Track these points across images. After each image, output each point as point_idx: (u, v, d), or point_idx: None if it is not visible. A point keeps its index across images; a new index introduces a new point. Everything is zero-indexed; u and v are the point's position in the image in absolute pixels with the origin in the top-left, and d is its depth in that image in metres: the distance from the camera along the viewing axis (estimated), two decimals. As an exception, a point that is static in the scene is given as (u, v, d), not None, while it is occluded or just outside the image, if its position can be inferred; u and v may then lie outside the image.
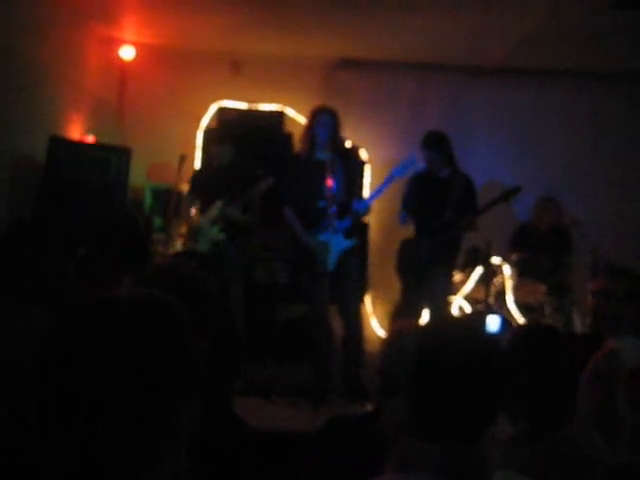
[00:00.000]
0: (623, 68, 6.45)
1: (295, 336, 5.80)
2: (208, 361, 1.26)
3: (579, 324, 5.65)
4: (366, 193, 6.04)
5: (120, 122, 6.68)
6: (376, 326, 6.41)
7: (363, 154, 6.62)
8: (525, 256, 5.86)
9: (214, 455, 1.88)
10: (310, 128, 5.09)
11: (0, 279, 2.22)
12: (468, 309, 5.91)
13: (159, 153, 6.46)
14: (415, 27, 5.77)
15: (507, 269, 5.88)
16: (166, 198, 6.08)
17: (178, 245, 5.95)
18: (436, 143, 5.36)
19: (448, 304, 5.62)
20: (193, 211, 5.87)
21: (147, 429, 1.03)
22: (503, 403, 1.53)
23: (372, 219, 6.33)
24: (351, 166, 5.24)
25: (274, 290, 6.17)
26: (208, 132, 6.67)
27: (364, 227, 6.26)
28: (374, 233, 6.47)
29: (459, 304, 5.93)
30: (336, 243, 4.97)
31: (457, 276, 5.82)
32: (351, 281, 5.10)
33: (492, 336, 1.56)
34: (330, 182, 4.91)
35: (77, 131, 6.10)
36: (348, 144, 5.80)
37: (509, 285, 5.85)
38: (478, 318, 5.57)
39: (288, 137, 6.61)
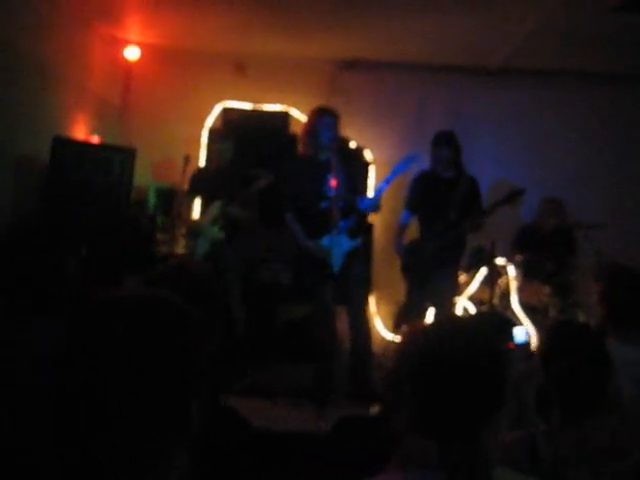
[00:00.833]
0: (626, 69, 6.43)
1: (298, 337, 5.80)
2: (212, 362, 1.25)
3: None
4: (370, 194, 6.04)
5: (124, 122, 6.68)
6: (380, 327, 6.40)
7: (367, 155, 6.61)
8: (529, 257, 5.84)
9: (216, 456, 1.88)
10: (313, 129, 5.06)
11: (2, 279, 2.21)
12: (472, 310, 5.90)
13: (163, 153, 6.47)
14: (419, 29, 5.77)
15: (512, 270, 5.87)
16: (170, 198, 6.09)
17: (182, 245, 5.96)
18: (448, 141, 5.36)
19: (453, 305, 5.61)
20: (192, 211, 5.89)
21: (155, 428, 1.03)
22: (503, 402, 1.53)
23: (377, 219, 6.32)
24: (353, 166, 5.23)
25: (277, 291, 6.17)
26: (213, 132, 6.68)
27: (369, 227, 6.26)
28: (379, 233, 6.47)
29: (463, 305, 5.92)
30: (340, 245, 4.95)
31: (462, 277, 5.81)
32: (356, 282, 5.08)
33: (493, 335, 1.57)
34: (334, 182, 4.90)
35: (81, 131, 6.11)
36: (352, 145, 5.79)
37: (514, 286, 5.83)
38: (480, 318, 5.56)
39: (292, 138, 6.60)
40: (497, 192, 5.64)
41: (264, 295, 6.06)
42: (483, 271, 5.85)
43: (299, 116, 6.71)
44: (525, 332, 5.49)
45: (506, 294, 5.85)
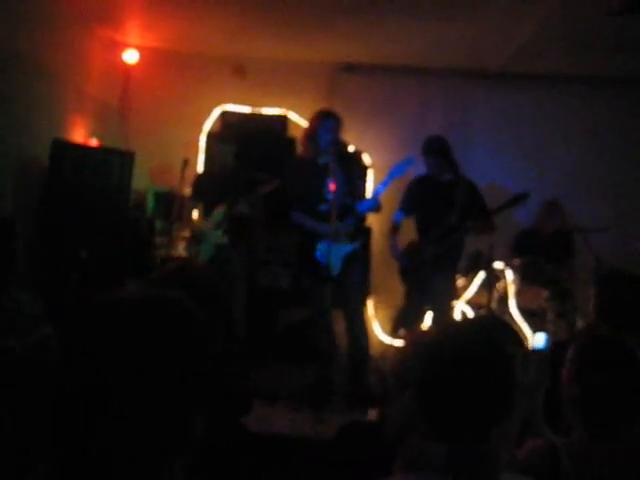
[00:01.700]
0: (625, 73, 6.44)
1: (298, 340, 5.80)
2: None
3: (582, 330, 5.64)
4: (368, 197, 6.03)
5: (123, 125, 6.68)
6: (378, 330, 6.40)
7: (366, 158, 6.62)
8: (528, 261, 5.85)
9: (215, 459, 1.88)
10: (314, 132, 5.07)
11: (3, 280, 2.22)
12: (471, 314, 5.90)
13: (162, 156, 6.47)
14: (418, 32, 5.77)
15: (510, 274, 5.87)
16: (169, 202, 6.09)
17: (180, 249, 5.95)
18: (435, 149, 5.38)
19: (451, 309, 5.61)
20: (195, 215, 5.88)
21: (161, 428, 1.02)
22: (512, 405, 1.53)
23: (374, 223, 6.33)
24: (352, 170, 5.23)
25: (277, 294, 6.17)
26: (211, 136, 6.68)
27: (367, 231, 6.26)
28: (376, 237, 6.47)
29: (462, 309, 5.92)
30: (338, 248, 4.95)
31: (460, 281, 5.82)
32: (354, 285, 5.09)
33: (500, 339, 1.56)
34: (333, 186, 4.90)
35: (80, 134, 6.11)
36: (351, 148, 5.79)
37: (512, 290, 5.83)
38: (486, 321, 5.56)
39: (291, 141, 6.62)
40: (495, 195, 5.64)
41: (264, 298, 6.06)
42: (481, 275, 5.85)
43: (298, 119, 6.71)
44: (545, 339, 5.48)
45: (504, 298, 5.85)
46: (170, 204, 5.98)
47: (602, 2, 4.74)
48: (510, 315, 5.73)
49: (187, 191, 5.94)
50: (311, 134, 5.09)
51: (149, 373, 1.02)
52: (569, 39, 5.64)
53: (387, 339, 6.22)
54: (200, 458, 1.33)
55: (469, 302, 5.95)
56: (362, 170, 6.25)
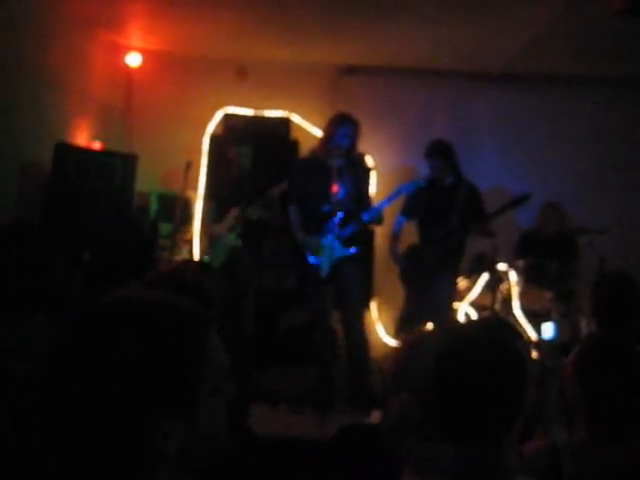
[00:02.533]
0: (628, 74, 6.43)
1: (300, 342, 5.79)
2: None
3: (586, 331, 5.61)
4: (371, 200, 6.04)
5: (126, 128, 6.69)
6: (382, 333, 6.39)
7: (369, 161, 6.61)
8: (532, 262, 5.83)
9: (218, 461, 1.87)
10: (329, 135, 5.08)
11: (4, 285, 2.21)
12: (474, 315, 5.89)
13: (165, 159, 6.47)
14: (421, 34, 5.77)
15: (513, 275, 5.86)
16: (172, 204, 6.08)
17: (184, 252, 5.95)
18: (439, 152, 5.40)
19: (452, 311, 5.60)
20: (205, 218, 5.88)
21: (158, 428, 1.02)
22: (522, 407, 1.51)
23: (378, 227, 6.32)
24: (359, 173, 5.25)
25: (281, 296, 6.17)
26: (214, 138, 6.67)
27: (370, 235, 6.25)
28: (380, 241, 6.46)
29: (465, 310, 5.91)
30: (332, 250, 4.96)
31: (463, 282, 5.81)
32: (353, 289, 5.08)
33: (512, 341, 1.55)
34: (335, 188, 4.91)
35: (83, 137, 6.12)
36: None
37: (515, 292, 5.82)
38: (497, 323, 5.55)
39: (294, 143, 6.62)
40: (498, 197, 5.64)
41: (269, 300, 6.06)
42: (485, 276, 5.84)
43: (300, 122, 6.71)
44: (553, 328, 5.48)
45: (508, 300, 5.84)
46: (173, 207, 5.98)
47: (606, 3, 4.73)
48: (514, 316, 5.71)
49: (191, 194, 5.94)
50: (326, 137, 5.11)
51: (149, 373, 1.02)
52: (573, 40, 5.63)
53: (391, 341, 6.21)
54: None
55: (473, 304, 5.94)
56: (366, 173, 6.25)
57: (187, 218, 6.23)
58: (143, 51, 6.68)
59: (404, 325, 5.49)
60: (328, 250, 4.92)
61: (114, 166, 5.66)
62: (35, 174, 5.42)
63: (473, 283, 5.91)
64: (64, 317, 1.10)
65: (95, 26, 6.09)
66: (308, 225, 5.09)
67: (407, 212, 5.62)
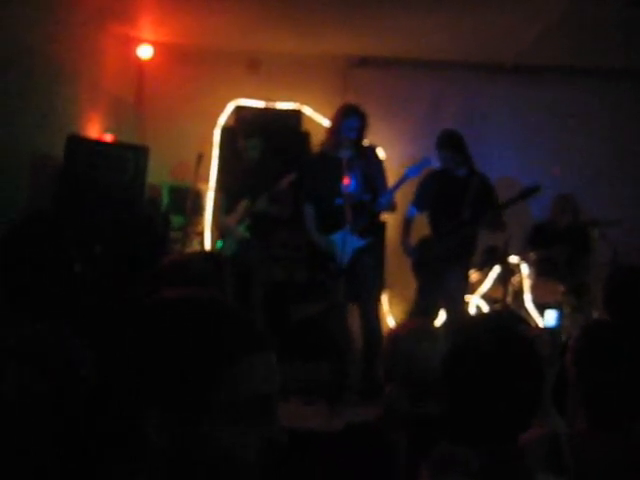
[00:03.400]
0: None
1: (312, 334, 5.80)
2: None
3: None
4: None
5: (138, 121, 6.70)
6: (393, 325, 6.38)
7: (380, 153, 6.59)
8: (544, 255, 5.81)
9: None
10: (336, 127, 5.08)
11: (14, 278, 2.20)
12: (486, 308, 5.88)
13: (176, 151, 6.47)
14: (432, 25, 5.74)
15: (525, 268, 5.84)
16: (183, 196, 6.09)
17: (195, 244, 5.96)
18: (450, 143, 5.37)
19: (464, 303, 5.59)
20: (216, 210, 5.88)
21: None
22: (539, 402, 1.50)
23: (389, 217, 6.30)
24: (370, 165, 5.24)
25: (292, 288, 6.17)
26: (225, 130, 6.67)
27: (381, 226, 6.24)
28: (391, 232, 6.45)
29: (477, 303, 5.90)
30: (350, 242, 4.96)
31: (475, 275, 5.79)
32: (367, 280, 5.09)
33: (525, 335, 1.53)
34: (347, 180, 4.90)
35: (95, 130, 6.13)
36: (365, 142, 5.78)
37: (527, 284, 5.80)
38: (509, 317, 5.54)
39: (305, 135, 6.60)
40: (510, 189, 5.61)
41: (280, 292, 6.07)
42: (496, 269, 5.83)
43: (312, 114, 6.70)
44: (556, 316, 5.46)
45: (519, 292, 5.82)
46: (185, 199, 5.99)
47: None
48: (525, 310, 5.70)
49: (203, 185, 5.94)
50: (333, 129, 5.11)
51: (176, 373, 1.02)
52: (586, 31, 5.58)
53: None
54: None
55: (484, 296, 5.93)
56: (380, 164, 6.25)
57: (198, 210, 6.24)
58: (155, 43, 6.68)
59: (416, 318, 5.48)
60: (342, 245, 4.92)
61: (126, 158, 5.66)
62: (47, 167, 5.44)
63: (485, 276, 5.90)
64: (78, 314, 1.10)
65: (107, 18, 6.09)
66: (322, 220, 5.10)
67: (418, 202, 5.60)
